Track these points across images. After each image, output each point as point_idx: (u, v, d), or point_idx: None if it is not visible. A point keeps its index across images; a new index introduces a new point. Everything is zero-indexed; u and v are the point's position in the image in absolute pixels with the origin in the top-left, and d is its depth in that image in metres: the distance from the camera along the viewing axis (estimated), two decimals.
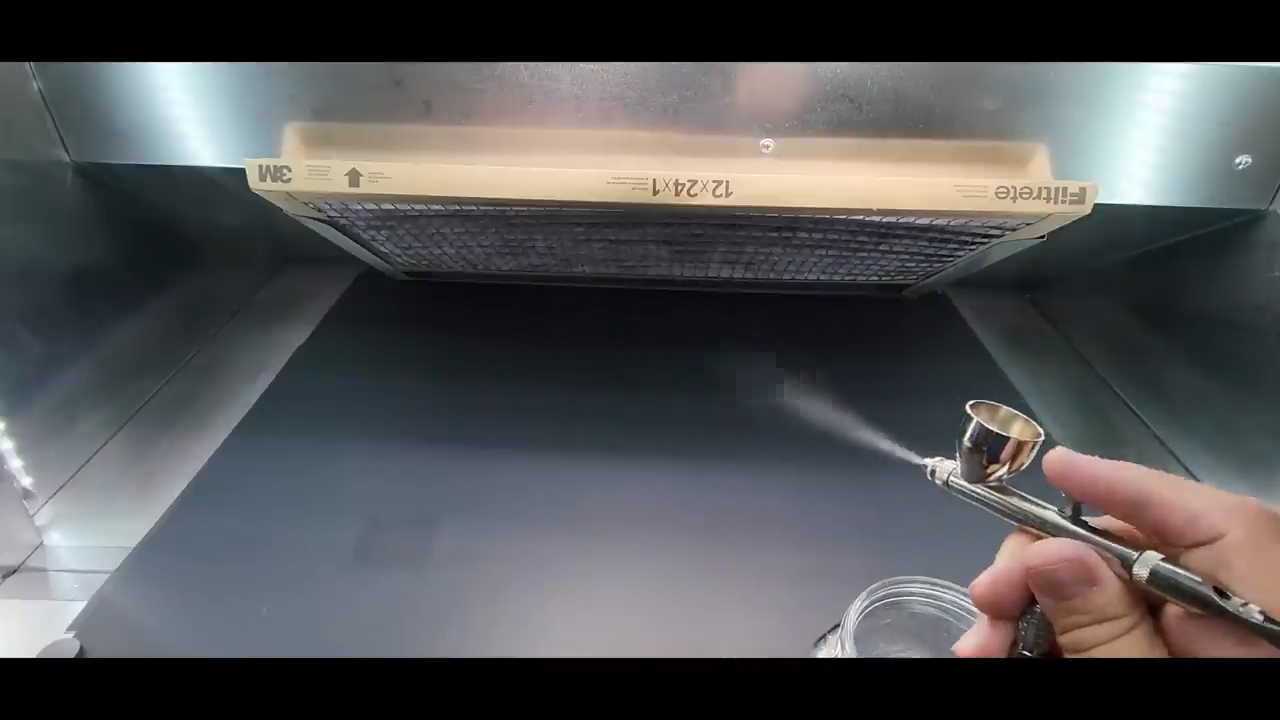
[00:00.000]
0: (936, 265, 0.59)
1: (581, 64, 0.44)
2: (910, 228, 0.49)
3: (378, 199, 0.43)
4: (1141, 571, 0.19)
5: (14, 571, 0.44)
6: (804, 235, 0.52)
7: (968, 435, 0.24)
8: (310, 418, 0.55)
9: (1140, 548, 0.20)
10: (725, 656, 0.38)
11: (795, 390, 0.60)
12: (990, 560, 0.24)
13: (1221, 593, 0.18)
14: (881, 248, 0.55)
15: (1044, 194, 0.41)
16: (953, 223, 0.47)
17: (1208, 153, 0.47)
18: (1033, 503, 0.23)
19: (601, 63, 0.44)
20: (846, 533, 0.46)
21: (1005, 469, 0.24)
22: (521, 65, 0.44)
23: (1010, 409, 0.24)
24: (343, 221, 0.51)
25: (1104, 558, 0.20)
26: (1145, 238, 0.61)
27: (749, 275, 0.67)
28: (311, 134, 0.47)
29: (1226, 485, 0.53)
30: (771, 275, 0.66)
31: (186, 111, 0.47)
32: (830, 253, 0.57)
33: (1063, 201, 0.41)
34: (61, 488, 0.51)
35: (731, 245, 0.57)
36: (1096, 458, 0.21)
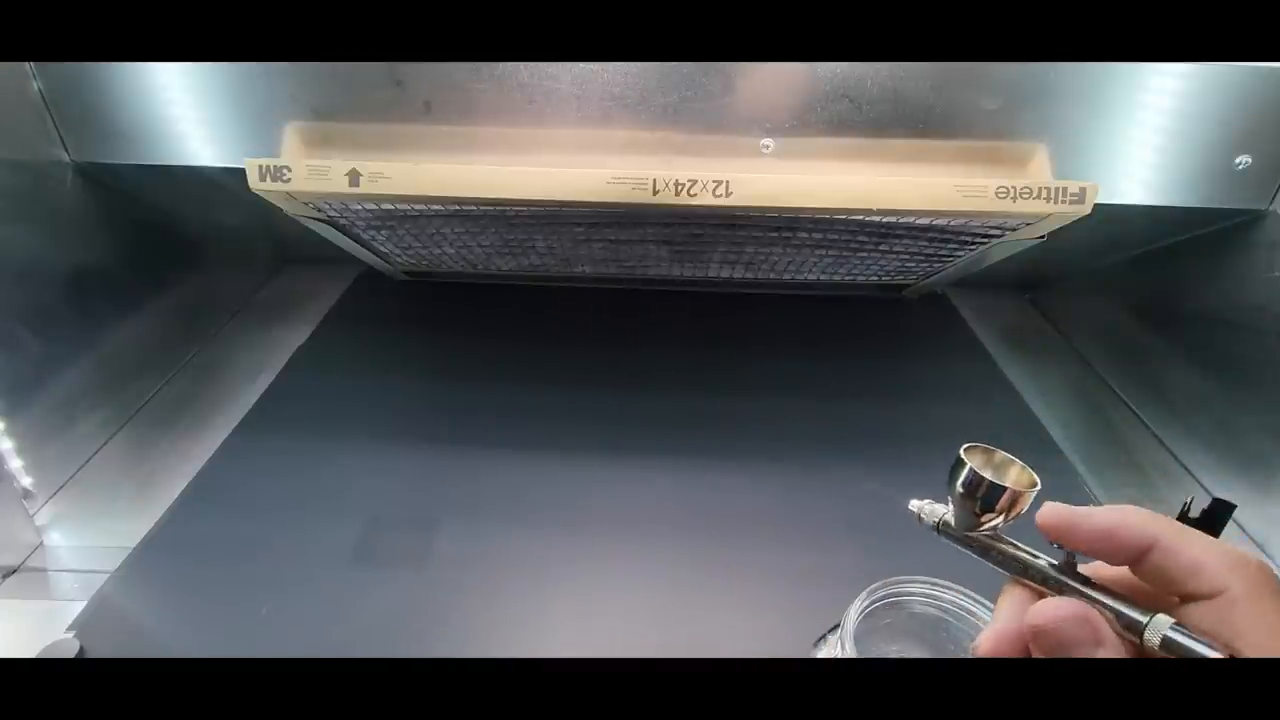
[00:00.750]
0: (936, 265, 0.59)
1: (581, 64, 0.44)
2: (910, 228, 0.49)
3: (378, 199, 0.43)
4: (1153, 638, 0.19)
5: (14, 571, 0.44)
6: (804, 235, 0.52)
7: (960, 481, 0.22)
8: (310, 418, 0.55)
9: (1146, 609, 0.19)
10: (725, 656, 0.38)
11: (795, 390, 0.60)
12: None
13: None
14: (881, 248, 0.55)
15: (1044, 194, 0.41)
16: (953, 223, 0.47)
17: (1208, 153, 0.47)
18: (1028, 553, 0.22)
19: (601, 63, 0.44)
20: (846, 533, 0.46)
21: (1001, 519, 0.22)
22: (521, 65, 0.44)
23: (1006, 453, 0.23)
24: (343, 221, 0.51)
25: (1107, 618, 0.19)
26: (1145, 238, 0.61)
27: (749, 275, 0.67)
28: (311, 134, 0.47)
29: (1226, 485, 0.53)
30: (771, 275, 0.66)
31: (186, 111, 0.47)
32: (830, 253, 0.57)
33: (1063, 201, 0.41)
34: (61, 488, 0.51)
35: (731, 245, 0.57)
36: (1093, 508, 0.20)
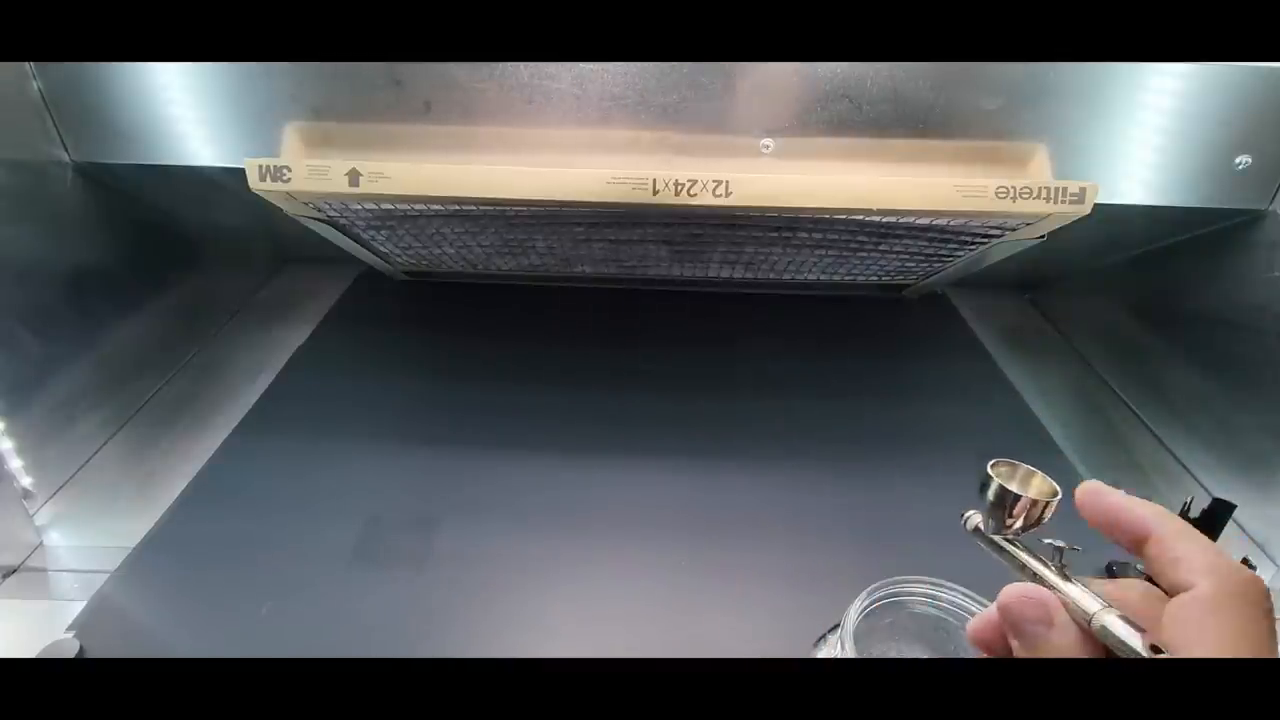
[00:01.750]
0: (936, 265, 0.59)
1: (581, 64, 0.44)
2: (910, 228, 0.49)
3: (378, 199, 0.43)
4: (1097, 624, 0.21)
5: (14, 571, 0.44)
6: (804, 235, 0.52)
7: (990, 492, 0.25)
8: (310, 418, 0.55)
9: (1105, 603, 0.21)
10: (725, 656, 0.38)
11: (795, 390, 0.60)
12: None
13: (1157, 650, 0.19)
14: (881, 248, 0.55)
15: (1044, 194, 0.41)
16: (953, 223, 0.47)
17: (1208, 153, 0.47)
18: (1036, 558, 0.24)
19: (601, 63, 0.44)
20: (846, 533, 0.46)
21: (1020, 522, 0.25)
22: (521, 65, 0.44)
23: (1030, 467, 0.26)
24: (343, 221, 0.51)
25: (1065, 605, 0.21)
26: (1145, 238, 0.61)
27: (749, 275, 0.67)
28: (311, 134, 0.47)
29: (1226, 485, 0.53)
30: (771, 275, 0.66)
31: (186, 111, 0.47)
32: (830, 253, 0.57)
33: (1063, 201, 0.41)
34: (61, 488, 0.51)
35: (731, 245, 0.57)
36: (1120, 491, 0.23)
